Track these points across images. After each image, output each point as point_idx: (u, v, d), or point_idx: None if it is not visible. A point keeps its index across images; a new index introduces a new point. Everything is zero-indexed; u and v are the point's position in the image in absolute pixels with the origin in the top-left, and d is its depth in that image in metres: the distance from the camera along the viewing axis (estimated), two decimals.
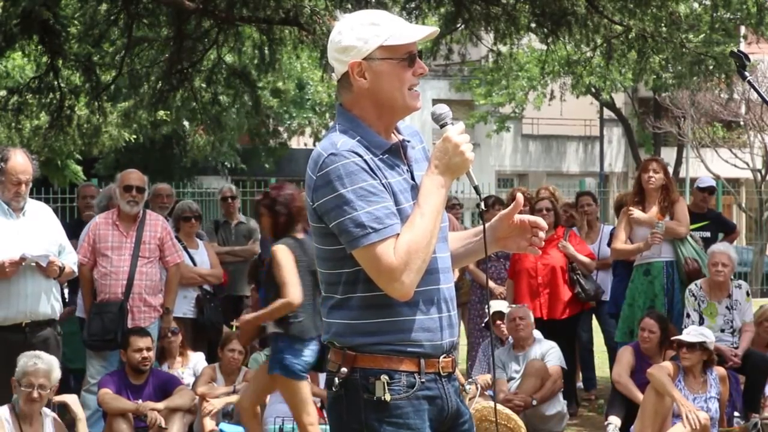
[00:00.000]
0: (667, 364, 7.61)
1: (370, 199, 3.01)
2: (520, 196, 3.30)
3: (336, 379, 3.12)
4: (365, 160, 3.05)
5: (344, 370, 3.10)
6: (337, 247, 3.08)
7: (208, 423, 7.74)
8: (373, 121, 3.15)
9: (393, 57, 3.11)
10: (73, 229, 8.20)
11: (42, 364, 6.18)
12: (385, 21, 3.13)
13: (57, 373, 6.27)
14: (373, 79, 3.11)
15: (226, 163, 26.59)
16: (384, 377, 3.07)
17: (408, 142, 3.22)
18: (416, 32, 3.13)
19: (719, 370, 7.69)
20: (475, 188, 3.20)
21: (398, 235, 3.02)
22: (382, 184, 3.06)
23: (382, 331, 3.09)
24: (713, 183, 10.29)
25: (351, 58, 3.11)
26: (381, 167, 3.09)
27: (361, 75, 3.11)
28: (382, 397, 3.07)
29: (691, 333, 7.59)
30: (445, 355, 3.17)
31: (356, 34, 3.11)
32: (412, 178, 3.16)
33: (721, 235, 9.93)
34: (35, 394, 6.12)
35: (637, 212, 8.44)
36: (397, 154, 3.17)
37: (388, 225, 3.01)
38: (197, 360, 8.51)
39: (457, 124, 3.14)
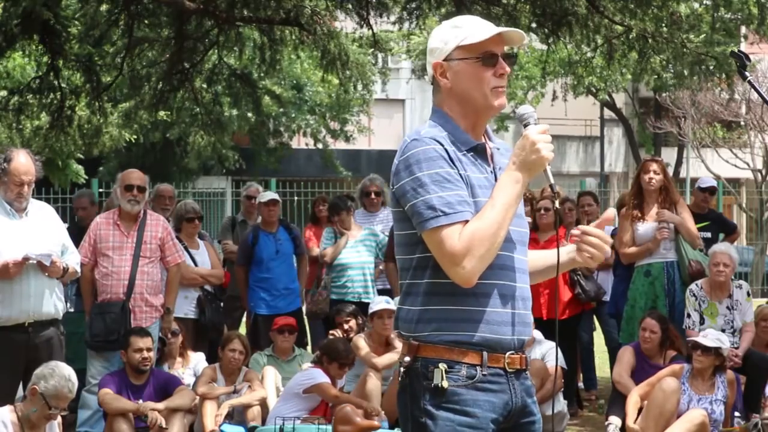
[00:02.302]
0: (672, 380, 7.56)
1: (444, 185, 3.12)
2: (612, 211, 3.38)
3: (401, 369, 3.22)
4: (446, 149, 3.16)
5: (407, 359, 3.20)
6: (410, 231, 3.19)
7: (209, 423, 7.73)
8: (459, 119, 3.26)
9: (469, 56, 3.21)
10: (74, 233, 8.16)
11: (74, 388, 6.08)
12: (467, 24, 3.25)
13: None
14: (454, 78, 3.24)
15: (226, 163, 26.58)
16: (442, 365, 3.14)
17: (498, 149, 3.33)
18: (489, 31, 3.21)
19: (728, 374, 7.68)
20: (551, 186, 3.27)
21: (467, 222, 3.10)
22: (459, 174, 3.16)
23: (445, 319, 3.16)
24: (714, 183, 10.28)
25: (434, 59, 3.25)
26: (462, 160, 3.19)
27: (443, 75, 3.25)
28: (440, 384, 3.14)
29: (708, 336, 7.57)
30: (512, 351, 3.22)
31: (439, 37, 3.26)
32: (495, 180, 3.24)
33: (721, 236, 9.93)
34: (57, 415, 6.08)
35: (667, 213, 8.39)
36: (482, 154, 3.27)
37: (459, 211, 3.10)
38: (198, 360, 8.51)
39: (540, 125, 3.22)
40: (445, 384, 3.13)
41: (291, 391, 7.86)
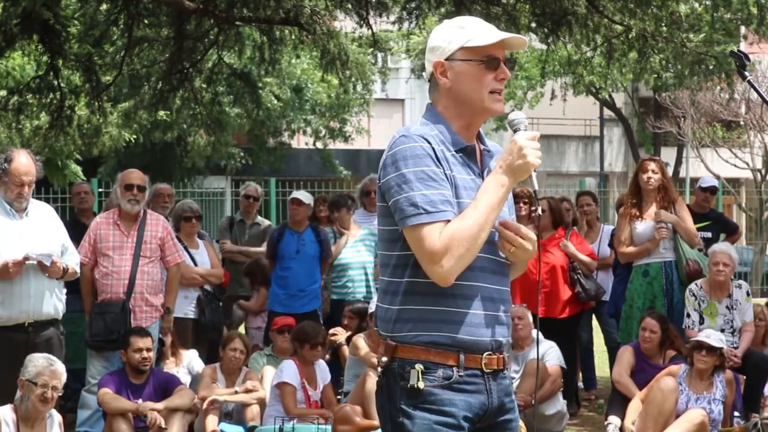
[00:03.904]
0: (671, 380, 7.56)
1: (428, 183, 3.13)
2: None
3: (379, 369, 3.24)
4: (433, 148, 3.18)
5: (385, 359, 3.22)
6: (391, 227, 3.21)
7: (210, 423, 7.73)
8: (454, 119, 3.27)
9: (472, 58, 3.23)
10: (71, 229, 8.17)
11: (56, 366, 6.16)
12: (471, 25, 3.27)
13: (65, 377, 6.26)
14: (454, 78, 3.25)
15: (231, 161, 26.58)
16: (419, 366, 3.16)
17: (488, 151, 3.33)
18: (494, 36, 3.23)
19: (727, 374, 7.68)
20: (534, 192, 3.31)
21: (449, 221, 3.12)
22: (445, 174, 3.17)
23: (423, 319, 3.17)
24: (715, 183, 10.26)
25: (436, 58, 3.26)
26: (450, 160, 3.21)
27: (443, 74, 3.26)
28: (416, 385, 3.15)
29: (711, 337, 7.56)
30: (490, 352, 3.23)
31: (443, 36, 3.27)
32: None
33: (722, 236, 9.91)
34: (49, 394, 6.11)
35: (664, 213, 8.39)
36: (472, 156, 3.28)
37: (441, 210, 3.12)
38: (191, 357, 8.46)
39: (530, 131, 3.23)
40: (421, 385, 3.15)
41: (272, 387, 7.94)
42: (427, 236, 3.10)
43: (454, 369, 3.17)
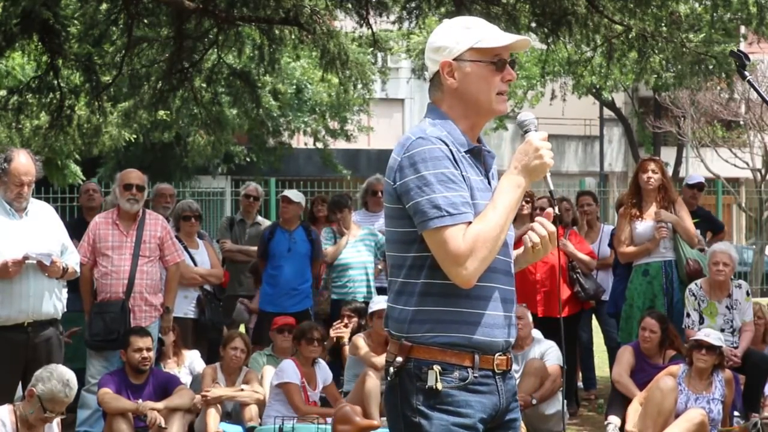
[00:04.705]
0: (670, 379, 7.56)
1: (449, 185, 3.12)
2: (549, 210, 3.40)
3: (391, 369, 3.22)
4: (450, 150, 3.17)
5: (399, 359, 3.19)
6: (407, 229, 3.18)
7: (212, 423, 7.72)
8: (460, 119, 3.26)
9: (482, 59, 3.23)
10: (74, 228, 8.19)
11: (71, 393, 6.05)
12: (478, 26, 3.27)
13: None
14: (462, 79, 3.24)
15: (236, 158, 26.57)
16: (436, 367, 3.15)
17: (489, 152, 3.34)
18: (505, 38, 3.24)
19: (726, 373, 7.68)
20: (550, 192, 3.36)
21: (470, 223, 3.11)
22: (462, 175, 3.16)
23: (440, 320, 3.17)
24: (702, 179, 10.24)
25: (442, 58, 3.25)
26: (463, 161, 3.20)
27: (450, 75, 3.24)
28: (434, 386, 3.15)
29: (710, 336, 7.57)
30: (500, 353, 3.24)
31: (449, 36, 3.25)
32: (489, 183, 3.27)
33: (709, 234, 9.90)
34: (52, 420, 6.07)
35: (664, 213, 8.38)
36: (477, 157, 3.28)
37: (463, 212, 3.11)
38: (193, 358, 8.47)
39: (541, 132, 3.25)
40: (440, 386, 3.14)
41: (272, 387, 7.93)
42: (451, 238, 3.08)
43: (470, 370, 3.17)
